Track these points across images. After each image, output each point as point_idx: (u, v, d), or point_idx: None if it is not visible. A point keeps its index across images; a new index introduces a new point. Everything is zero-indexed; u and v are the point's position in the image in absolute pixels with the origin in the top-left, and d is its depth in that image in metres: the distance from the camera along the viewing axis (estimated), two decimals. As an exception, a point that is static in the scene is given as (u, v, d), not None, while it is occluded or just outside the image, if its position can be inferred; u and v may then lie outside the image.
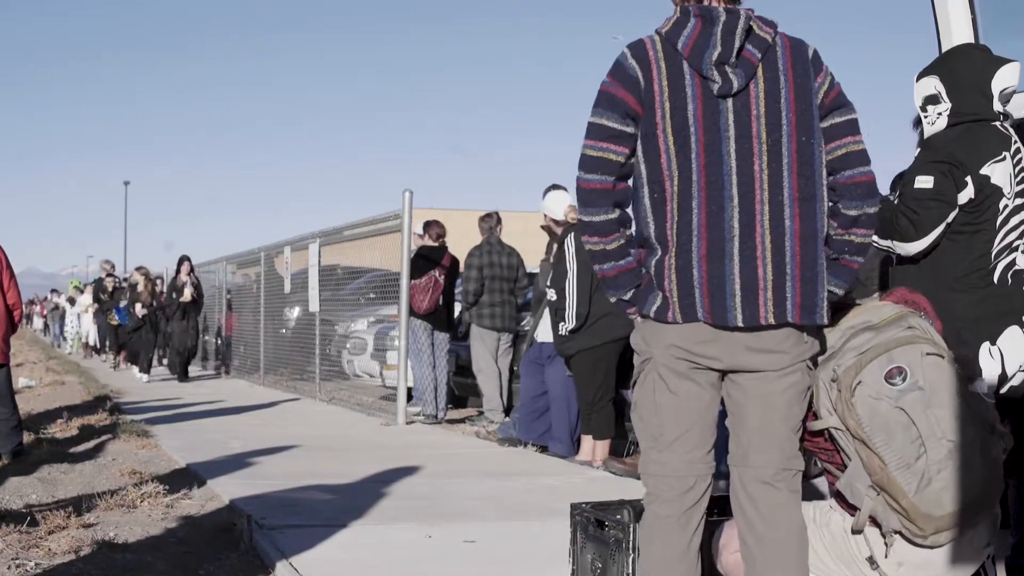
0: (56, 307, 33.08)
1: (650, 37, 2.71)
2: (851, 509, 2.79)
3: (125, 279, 18.74)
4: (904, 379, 2.67)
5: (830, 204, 2.75)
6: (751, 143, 2.63)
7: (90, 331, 23.73)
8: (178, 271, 15.98)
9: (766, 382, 2.68)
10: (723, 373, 2.73)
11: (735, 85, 2.63)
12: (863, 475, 2.68)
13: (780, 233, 2.63)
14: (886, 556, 2.73)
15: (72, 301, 26.62)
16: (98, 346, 23.42)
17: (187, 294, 15.69)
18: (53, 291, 38.29)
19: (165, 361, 17.84)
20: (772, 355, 2.65)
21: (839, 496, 2.82)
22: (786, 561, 2.69)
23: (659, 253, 2.68)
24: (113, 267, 20.92)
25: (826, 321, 2.69)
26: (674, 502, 2.71)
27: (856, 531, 2.74)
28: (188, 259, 16.05)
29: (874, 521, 2.76)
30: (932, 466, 2.62)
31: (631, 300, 2.75)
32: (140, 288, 16.12)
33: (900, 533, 2.68)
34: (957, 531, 2.69)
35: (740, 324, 2.61)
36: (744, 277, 2.62)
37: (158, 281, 17.28)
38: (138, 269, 16.68)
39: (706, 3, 2.70)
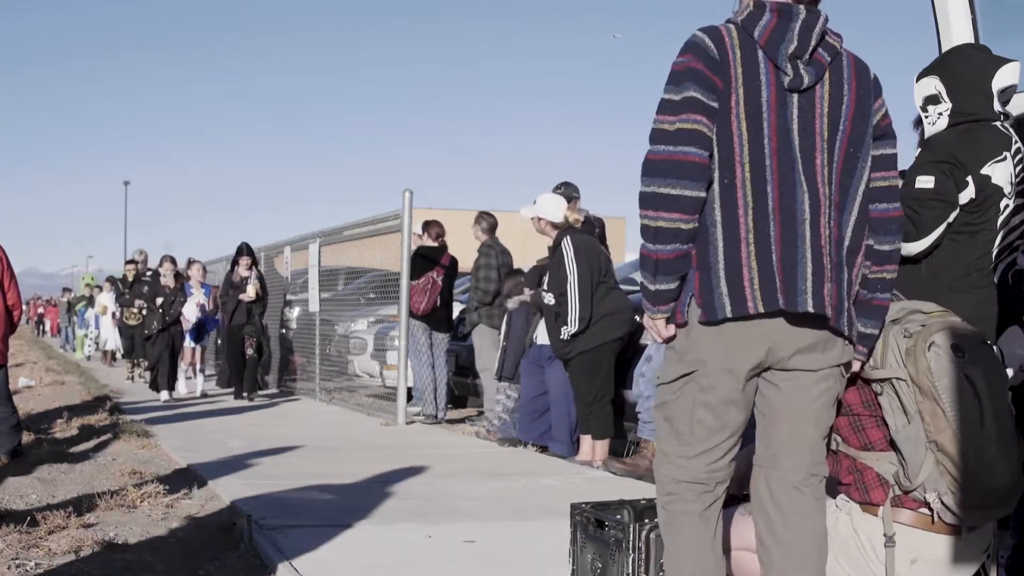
0: (69, 307, 31.90)
1: (724, 25, 2.69)
2: (867, 500, 2.81)
3: (150, 270, 14.50)
4: (964, 356, 2.71)
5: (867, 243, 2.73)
6: (814, 139, 2.63)
7: (110, 336, 20.08)
8: (235, 263, 12.67)
9: (803, 386, 2.66)
10: (760, 373, 2.69)
11: (805, 81, 2.62)
12: (922, 433, 2.70)
13: (826, 226, 2.62)
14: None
15: (90, 301, 22.86)
16: (119, 353, 19.49)
17: (250, 291, 12.40)
18: (66, 290, 37.02)
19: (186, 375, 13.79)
20: (812, 355, 2.63)
21: (853, 488, 2.84)
22: (804, 566, 2.68)
23: (723, 244, 2.59)
24: (145, 258, 16.21)
25: (846, 331, 2.65)
26: (695, 502, 2.70)
27: (908, 490, 2.74)
28: (248, 248, 12.68)
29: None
30: (988, 439, 2.68)
31: (675, 292, 2.63)
32: (164, 280, 12.55)
33: (943, 503, 2.71)
34: (996, 512, 2.78)
35: (811, 309, 2.57)
36: (815, 262, 2.59)
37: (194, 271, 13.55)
38: (166, 257, 12.90)
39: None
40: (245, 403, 11.86)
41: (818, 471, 2.72)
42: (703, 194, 2.60)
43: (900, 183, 2.76)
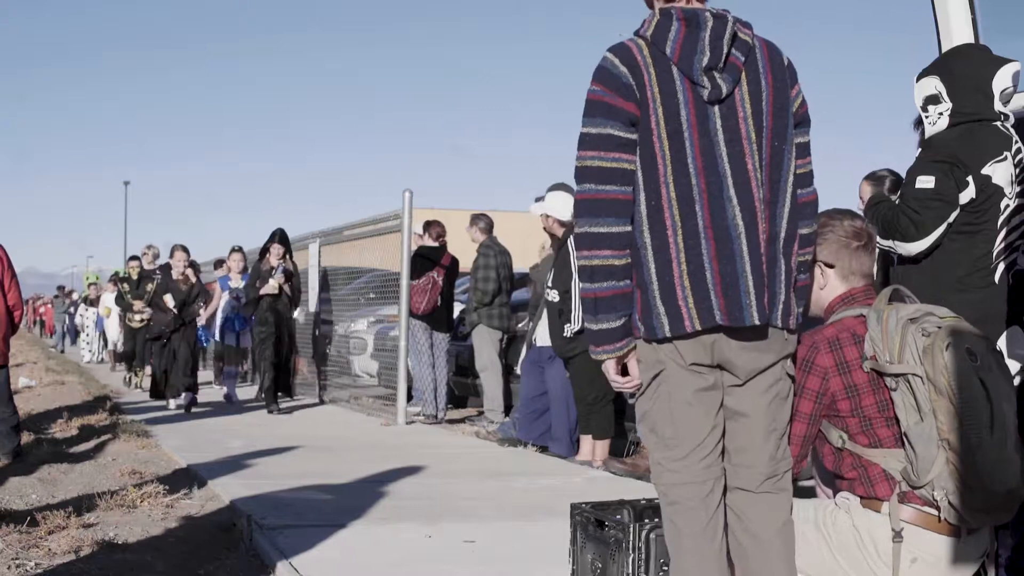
0: (65, 305, 31.13)
1: (633, 41, 2.66)
2: (871, 495, 2.82)
3: (160, 267, 12.57)
4: (978, 361, 2.72)
5: None
6: (741, 144, 2.63)
7: (117, 338, 18.32)
8: (265, 252, 10.85)
9: (752, 388, 2.68)
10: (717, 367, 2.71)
11: (724, 91, 2.61)
12: (935, 431, 2.71)
13: (763, 231, 2.65)
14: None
15: (90, 301, 22.01)
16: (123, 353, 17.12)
17: (272, 284, 10.58)
18: (60, 287, 36.91)
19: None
20: (754, 353, 2.65)
21: (857, 483, 2.85)
22: (776, 555, 2.71)
23: (655, 265, 2.62)
24: (156, 255, 13.74)
25: (780, 325, 2.67)
26: (699, 510, 2.68)
27: (916, 487, 2.75)
28: (283, 235, 10.89)
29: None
30: (996, 443, 2.68)
31: (618, 331, 2.66)
32: (176, 274, 10.98)
33: (949, 501, 2.71)
34: (997, 516, 2.78)
35: (756, 322, 2.59)
36: (755, 275, 2.60)
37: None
38: (177, 247, 11.25)
39: (682, 3, 2.67)
40: (245, 403, 11.70)
41: (777, 470, 2.73)
42: (628, 228, 2.64)
43: (812, 168, 2.80)
